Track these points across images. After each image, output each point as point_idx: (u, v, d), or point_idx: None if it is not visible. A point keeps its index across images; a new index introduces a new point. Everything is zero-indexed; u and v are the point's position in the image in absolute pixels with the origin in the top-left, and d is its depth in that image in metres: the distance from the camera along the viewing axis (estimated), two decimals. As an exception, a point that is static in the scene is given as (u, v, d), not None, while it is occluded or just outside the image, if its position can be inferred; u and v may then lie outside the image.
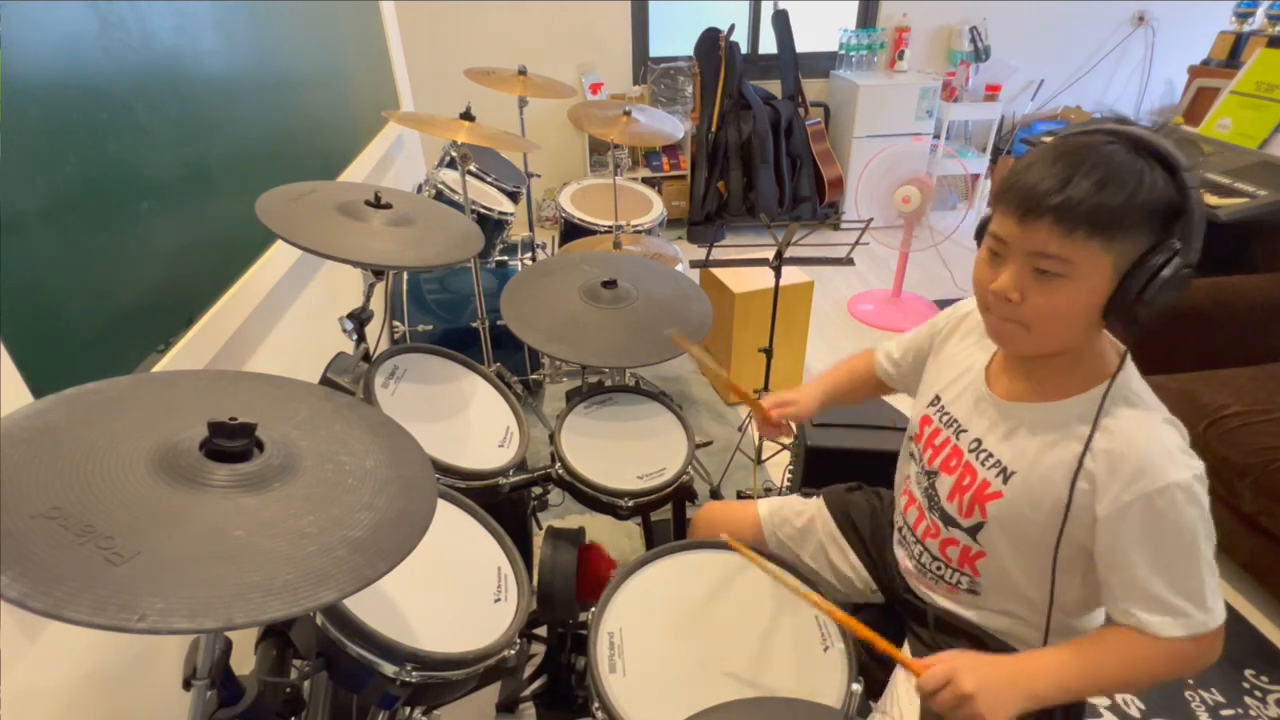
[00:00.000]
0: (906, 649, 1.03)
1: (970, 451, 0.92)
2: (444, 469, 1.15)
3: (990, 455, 0.90)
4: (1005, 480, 0.87)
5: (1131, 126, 0.74)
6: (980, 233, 0.84)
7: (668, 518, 1.45)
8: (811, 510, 1.21)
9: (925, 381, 1.05)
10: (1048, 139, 3.10)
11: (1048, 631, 0.90)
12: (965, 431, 0.94)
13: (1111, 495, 0.78)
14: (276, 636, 0.88)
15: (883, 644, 0.79)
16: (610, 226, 2.42)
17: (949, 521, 0.95)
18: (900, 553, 1.08)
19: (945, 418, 0.98)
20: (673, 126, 2.27)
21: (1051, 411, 0.85)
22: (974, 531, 0.92)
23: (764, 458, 2.12)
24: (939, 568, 0.99)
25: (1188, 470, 0.76)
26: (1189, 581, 0.76)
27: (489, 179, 2.49)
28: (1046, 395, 0.85)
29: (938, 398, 1.00)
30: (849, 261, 1.82)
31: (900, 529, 1.07)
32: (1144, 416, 0.80)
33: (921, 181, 2.88)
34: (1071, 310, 0.77)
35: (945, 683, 0.75)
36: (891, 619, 1.11)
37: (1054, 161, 0.74)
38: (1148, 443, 0.78)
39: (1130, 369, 0.83)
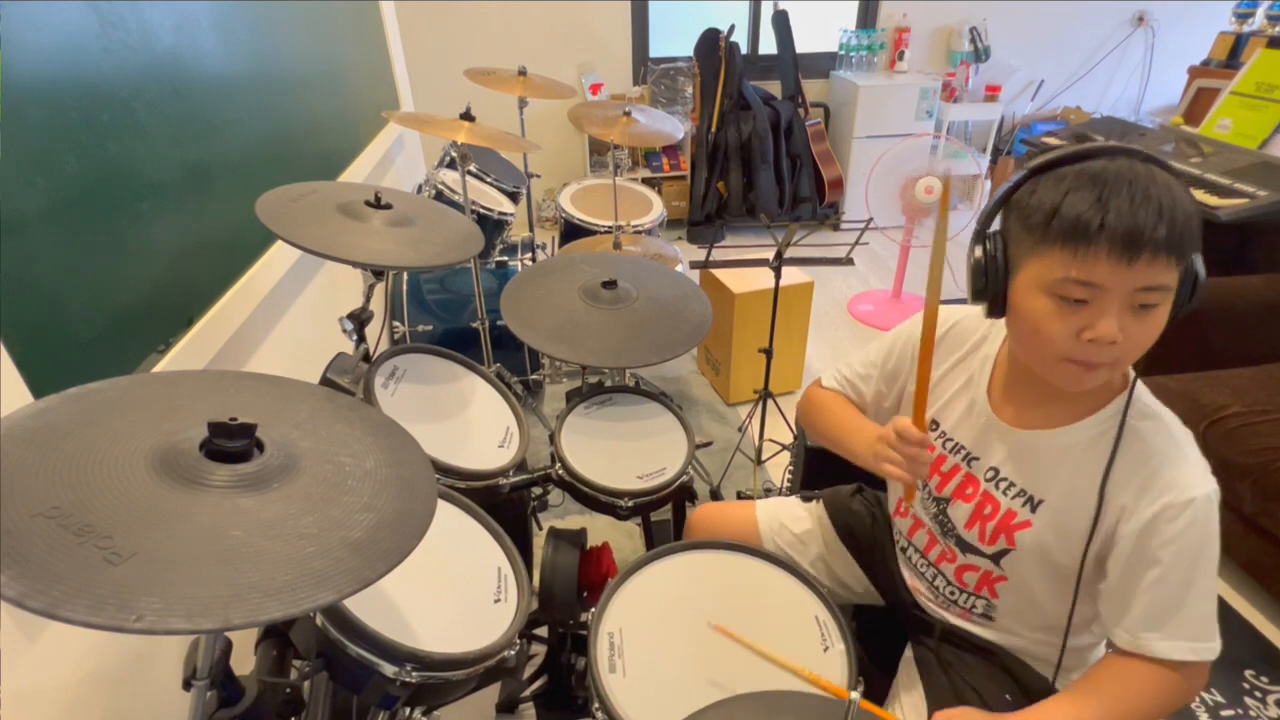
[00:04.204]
0: (909, 653, 1.03)
1: (988, 481, 0.91)
2: (444, 469, 1.15)
3: (1012, 485, 0.89)
4: (1033, 509, 0.87)
5: (1129, 145, 0.73)
6: (987, 295, 0.80)
7: (668, 518, 1.45)
8: (812, 518, 1.20)
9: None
10: (1049, 139, 3.07)
11: (1063, 650, 0.89)
12: (977, 459, 0.93)
13: (1139, 509, 0.78)
14: (276, 637, 0.88)
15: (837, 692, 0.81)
16: (610, 227, 2.42)
17: (967, 548, 0.94)
18: (907, 573, 1.07)
19: (950, 444, 0.96)
20: (673, 127, 2.27)
21: (1072, 434, 0.84)
22: (997, 558, 0.91)
23: (764, 458, 2.12)
24: (953, 592, 0.98)
25: (1211, 484, 0.77)
26: (1203, 603, 0.77)
27: (489, 179, 2.49)
28: (1064, 419, 0.85)
29: (935, 423, 0.98)
30: (849, 261, 1.83)
31: (906, 551, 1.06)
32: (1163, 428, 0.81)
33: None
34: (1158, 333, 0.75)
35: None
36: (894, 622, 1.10)
37: (1117, 192, 0.69)
38: (1171, 456, 0.78)
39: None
